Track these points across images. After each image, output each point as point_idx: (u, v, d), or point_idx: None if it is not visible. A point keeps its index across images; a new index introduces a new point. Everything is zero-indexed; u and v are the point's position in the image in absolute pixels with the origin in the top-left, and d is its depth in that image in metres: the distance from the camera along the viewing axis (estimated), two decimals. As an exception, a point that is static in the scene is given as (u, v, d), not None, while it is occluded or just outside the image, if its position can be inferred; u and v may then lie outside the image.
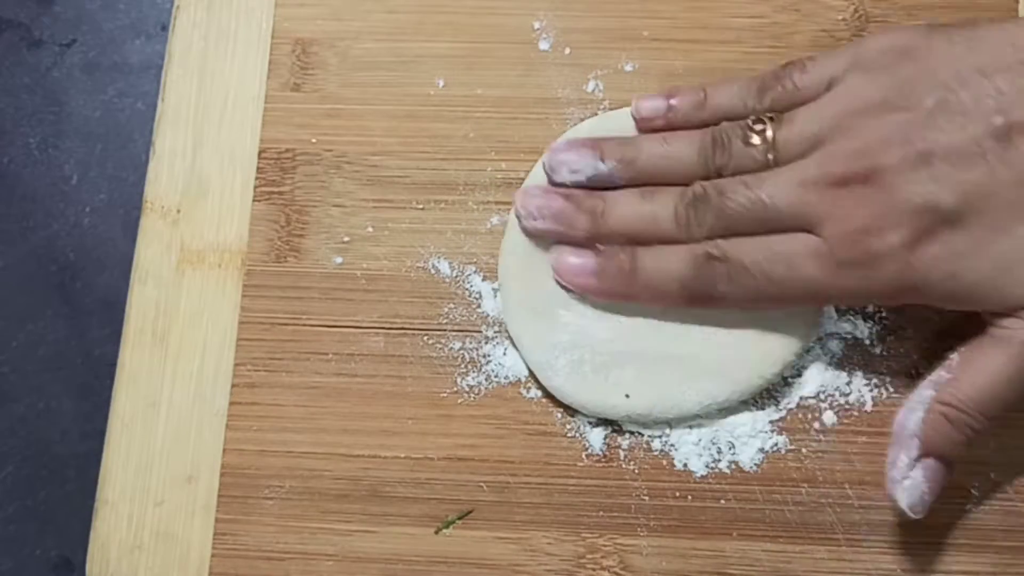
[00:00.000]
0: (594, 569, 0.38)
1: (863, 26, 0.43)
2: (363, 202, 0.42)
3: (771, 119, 0.36)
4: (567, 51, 0.43)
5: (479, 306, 0.41)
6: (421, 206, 0.42)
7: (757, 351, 0.38)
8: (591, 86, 0.43)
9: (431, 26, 0.44)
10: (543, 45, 0.43)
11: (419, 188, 0.42)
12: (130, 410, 0.40)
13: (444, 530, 0.38)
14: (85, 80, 0.49)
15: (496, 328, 0.40)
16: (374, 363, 0.40)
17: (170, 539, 0.39)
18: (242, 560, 0.38)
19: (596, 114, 0.42)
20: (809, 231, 0.35)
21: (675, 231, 0.37)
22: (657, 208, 0.37)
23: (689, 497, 0.38)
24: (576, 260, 0.39)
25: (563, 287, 0.39)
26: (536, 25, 0.44)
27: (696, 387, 0.38)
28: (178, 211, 0.42)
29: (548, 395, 0.39)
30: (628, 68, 0.43)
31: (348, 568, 0.38)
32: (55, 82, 0.49)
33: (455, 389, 0.40)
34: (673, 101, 0.39)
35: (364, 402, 0.40)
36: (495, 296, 0.41)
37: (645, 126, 0.40)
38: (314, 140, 0.43)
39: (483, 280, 0.41)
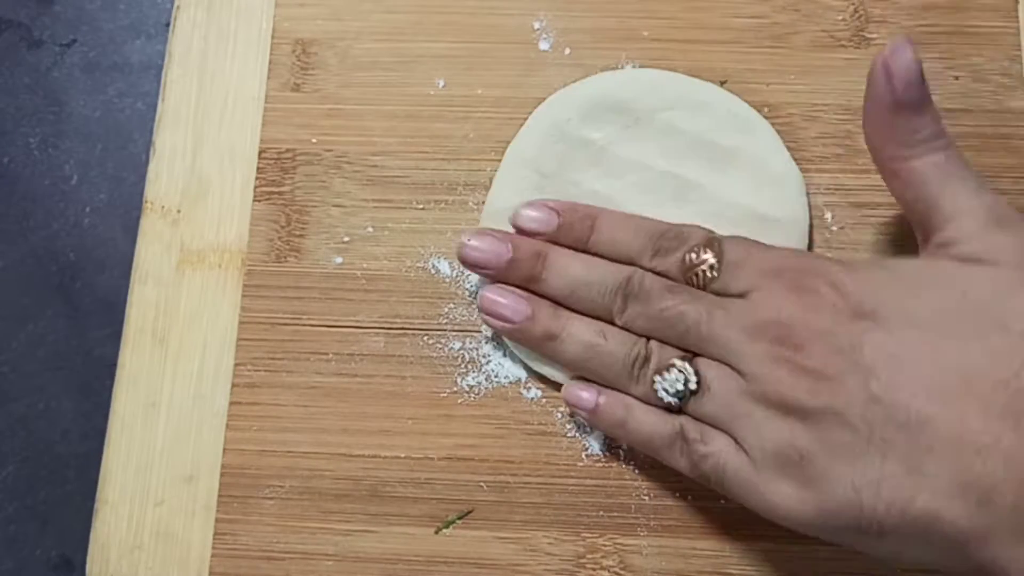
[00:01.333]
0: (594, 569, 0.38)
1: (863, 26, 0.43)
2: (363, 202, 0.42)
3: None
4: (567, 51, 0.43)
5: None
6: (421, 206, 0.42)
7: None
8: (591, 86, 0.43)
9: (431, 26, 0.44)
10: (543, 45, 0.43)
11: (419, 188, 0.42)
12: (130, 410, 0.40)
13: (444, 530, 0.38)
14: (85, 80, 0.49)
15: (496, 328, 0.40)
16: (374, 363, 0.40)
17: (170, 539, 0.39)
18: (242, 560, 0.38)
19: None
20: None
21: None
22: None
23: (689, 497, 0.38)
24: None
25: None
26: (536, 25, 0.44)
27: None
28: (178, 211, 0.42)
29: (548, 395, 0.39)
30: (628, 68, 0.43)
31: (348, 568, 0.38)
32: (55, 82, 0.49)
33: (455, 389, 0.40)
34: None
35: (364, 402, 0.40)
36: (495, 296, 0.41)
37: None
38: (314, 140, 0.43)
39: (483, 280, 0.41)
